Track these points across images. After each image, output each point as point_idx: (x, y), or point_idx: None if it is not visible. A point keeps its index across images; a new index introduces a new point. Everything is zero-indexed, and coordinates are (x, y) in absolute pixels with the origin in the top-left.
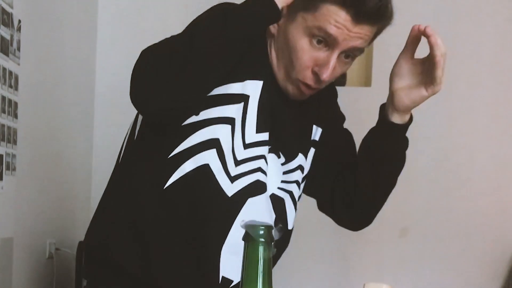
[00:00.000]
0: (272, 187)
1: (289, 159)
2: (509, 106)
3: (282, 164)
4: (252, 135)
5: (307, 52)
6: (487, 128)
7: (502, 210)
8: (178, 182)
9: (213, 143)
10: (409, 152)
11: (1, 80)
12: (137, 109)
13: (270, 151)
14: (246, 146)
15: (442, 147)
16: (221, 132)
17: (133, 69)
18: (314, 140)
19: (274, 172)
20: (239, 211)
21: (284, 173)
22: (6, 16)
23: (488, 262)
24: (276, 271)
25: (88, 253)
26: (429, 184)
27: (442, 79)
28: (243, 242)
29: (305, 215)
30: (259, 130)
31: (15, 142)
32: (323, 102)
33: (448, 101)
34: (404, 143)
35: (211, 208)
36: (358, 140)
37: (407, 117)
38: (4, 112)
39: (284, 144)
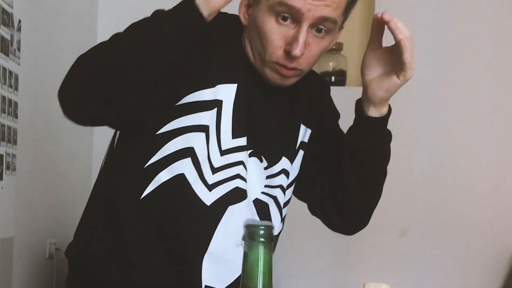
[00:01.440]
0: (255, 192)
1: (271, 163)
2: (508, 108)
3: (265, 168)
4: (228, 141)
5: (275, 32)
6: (486, 128)
7: (502, 210)
8: (154, 192)
9: (188, 152)
10: (409, 152)
11: (1, 80)
12: (68, 117)
13: (251, 155)
14: (223, 152)
15: (442, 147)
16: (195, 140)
17: (65, 77)
18: (303, 142)
19: (257, 176)
20: (220, 220)
21: (267, 177)
22: (6, 16)
23: (488, 262)
24: (276, 271)
25: (70, 263)
26: (429, 184)
27: (411, 63)
28: (224, 250)
29: (305, 214)
30: (235, 135)
31: (15, 142)
32: (315, 100)
33: (448, 102)
34: (386, 137)
35: (189, 218)
36: None
37: (384, 110)
38: (4, 112)
39: (266, 147)
